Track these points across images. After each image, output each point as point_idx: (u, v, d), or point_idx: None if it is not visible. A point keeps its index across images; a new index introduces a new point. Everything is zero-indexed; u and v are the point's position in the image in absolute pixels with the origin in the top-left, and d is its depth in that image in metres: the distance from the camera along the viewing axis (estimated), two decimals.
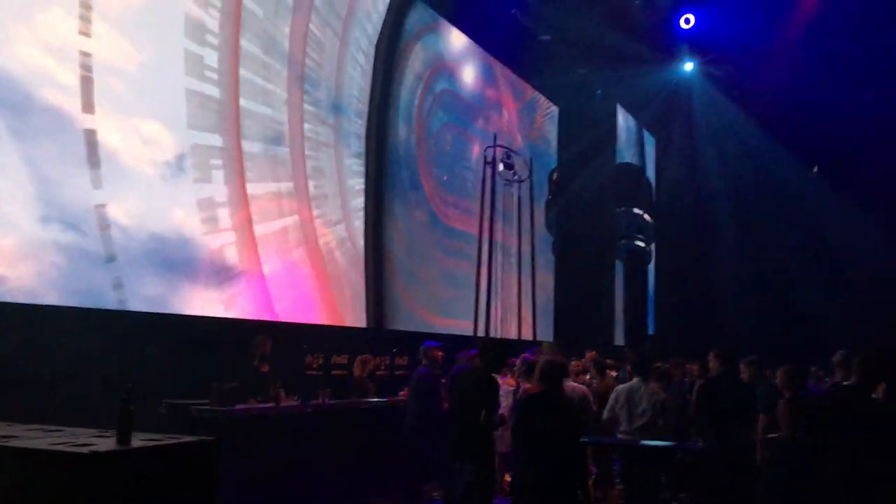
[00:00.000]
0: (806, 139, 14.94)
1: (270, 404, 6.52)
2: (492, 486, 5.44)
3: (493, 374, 5.51)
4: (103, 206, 6.12)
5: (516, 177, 13.38)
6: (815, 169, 16.95)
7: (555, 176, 14.93)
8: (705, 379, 6.40)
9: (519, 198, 13.55)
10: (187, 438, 3.28)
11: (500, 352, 5.64)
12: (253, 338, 7.05)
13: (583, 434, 5.13)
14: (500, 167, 12.85)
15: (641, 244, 17.35)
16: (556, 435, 4.71)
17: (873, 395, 4.57)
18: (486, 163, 12.52)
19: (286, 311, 8.17)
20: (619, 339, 15.97)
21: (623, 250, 16.67)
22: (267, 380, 6.77)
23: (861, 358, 3.90)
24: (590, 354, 9.37)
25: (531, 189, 13.96)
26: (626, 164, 16.94)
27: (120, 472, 2.96)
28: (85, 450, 2.89)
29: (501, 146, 12.93)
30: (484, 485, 5.20)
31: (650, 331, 17.46)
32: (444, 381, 6.99)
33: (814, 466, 3.90)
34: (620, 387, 6.84)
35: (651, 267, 17.96)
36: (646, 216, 17.52)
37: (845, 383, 3.97)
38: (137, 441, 3.11)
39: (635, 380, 6.66)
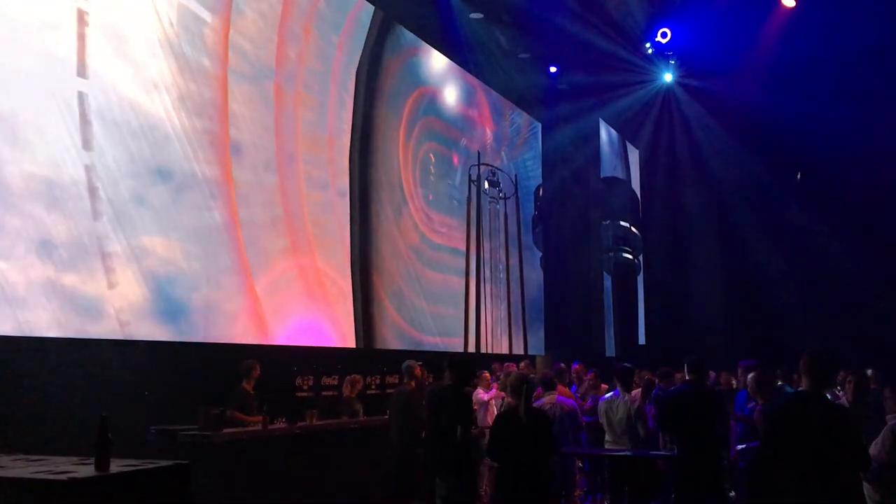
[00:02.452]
0: (784, 148, 15.19)
1: (257, 427, 6.65)
2: (471, 502, 5.55)
3: (466, 388, 5.64)
4: (105, 236, 6.34)
5: (501, 194, 13.56)
6: (799, 176, 17.15)
7: (540, 192, 15.12)
8: (670, 390, 6.56)
9: (505, 214, 13.73)
10: (164, 463, 3.42)
11: (469, 366, 5.78)
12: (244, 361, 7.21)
13: (552, 448, 5.23)
14: (486, 185, 13.04)
15: (629, 256, 17.52)
16: (525, 449, 4.82)
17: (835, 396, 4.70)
18: (470, 181, 12.71)
19: (277, 333, 8.32)
20: (611, 350, 16.10)
21: (611, 263, 16.83)
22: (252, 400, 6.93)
23: (808, 361, 4.03)
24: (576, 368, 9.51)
25: (517, 205, 14.15)
26: (612, 177, 17.14)
27: (97, 498, 3.09)
28: (63, 477, 3.03)
29: (486, 164, 13.12)
30: (462, 501, 5.31)
31: (641, 341, 17.59)
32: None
33: (777, 472, 4.03)
34: (603, 399, 7.05)
35: (640, 279, 18.13)
36: (632, 228, 17.70)
37: (799, 388, 4.11)
38: (115, 467, 3.25)
39: (616, 390, 6.87)
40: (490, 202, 13.21)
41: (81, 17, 6.31)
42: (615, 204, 17.09)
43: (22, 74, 5.87)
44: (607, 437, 6.93)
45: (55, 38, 6.14)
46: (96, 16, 6.45)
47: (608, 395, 6.98)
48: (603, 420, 6.77)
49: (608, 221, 16.75)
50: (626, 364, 7.46)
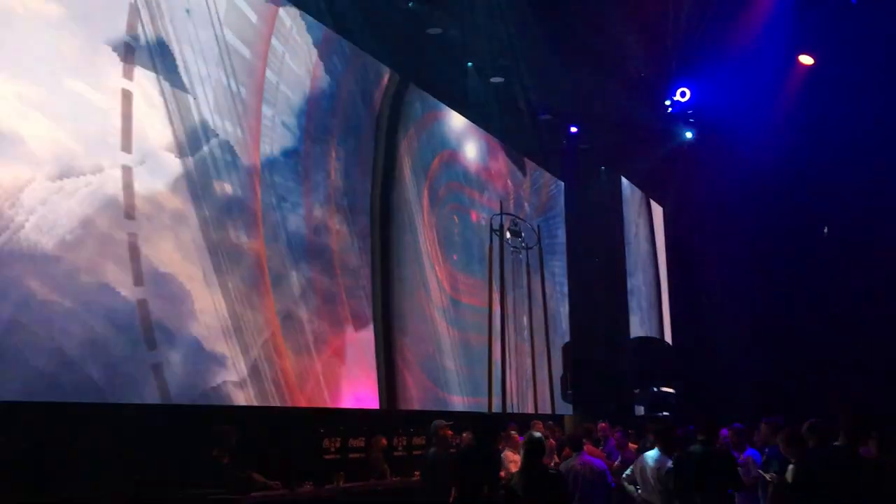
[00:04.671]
0: (807, 204, 15.14)
1: (281, 491, 6.63)
2: None
3: (492, 449, 5.60)
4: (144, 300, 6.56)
5: (524, 244, 13.51)
6: (826, 230, 16.96)
7: (564, 245, 15.13)
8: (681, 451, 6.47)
9: (528, 265, 13.66)
10: None
11: (490, 425, 5.77)
12: (274, 422, 7.23)
13: None
14: (508, 235, 13.00)
15: None
16: None
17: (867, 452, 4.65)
18: (492, 231, 12.71)
19: (304, 395, 8.36)
20: (640, 409, 15.82)
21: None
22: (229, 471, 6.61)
23: (847, 418, 4.04)
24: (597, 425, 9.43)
25: (540, 257, 14.09)
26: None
27: None
28: None
29: (508, 214, 13.13)
30: None
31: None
32: None
33: None
34: (641, 456, 6.96)
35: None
36: None
37: (835, 443, 4.10)
38: None
39: (654, 448, 6.74)
40: (513, 252, 13.17)
41: (126, 97, 6.65)
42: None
43: (69, 145, 6.14)
44: (640, 492, 6.80)
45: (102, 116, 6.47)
46: (139, 95, 6.82)
47: (647, 453, 6.85)
48: (637, 476, 6.67)
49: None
50: (662, 419, 7.35)
